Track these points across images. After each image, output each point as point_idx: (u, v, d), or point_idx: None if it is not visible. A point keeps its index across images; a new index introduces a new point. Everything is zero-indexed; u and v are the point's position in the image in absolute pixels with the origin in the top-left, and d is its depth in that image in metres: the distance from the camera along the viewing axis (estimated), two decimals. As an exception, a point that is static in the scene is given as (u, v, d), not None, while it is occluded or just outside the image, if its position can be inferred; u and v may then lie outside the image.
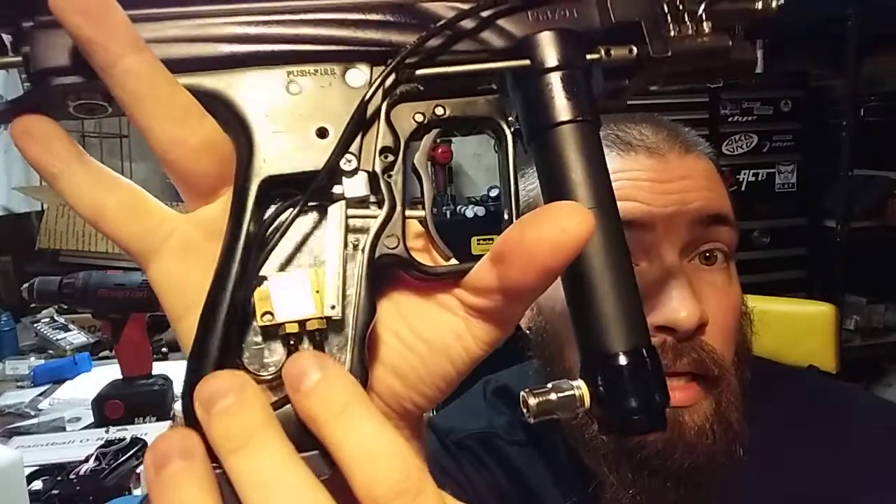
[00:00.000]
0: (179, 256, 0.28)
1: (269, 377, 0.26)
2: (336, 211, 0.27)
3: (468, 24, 0.29)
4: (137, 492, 1.04)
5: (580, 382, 0.27)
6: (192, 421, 0.24)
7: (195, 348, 0.26)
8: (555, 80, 0.28)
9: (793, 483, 0.60)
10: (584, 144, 0.28)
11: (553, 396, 0.27)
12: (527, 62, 0.29)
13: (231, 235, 0.26)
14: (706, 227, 0.57)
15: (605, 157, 0.29)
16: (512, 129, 0.30)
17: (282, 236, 0.27)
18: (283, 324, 0.26)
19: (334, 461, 0.22)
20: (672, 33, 0.30)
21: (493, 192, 2.78)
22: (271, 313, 0.26)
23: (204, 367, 0.25)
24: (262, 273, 0.26)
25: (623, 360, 0.27)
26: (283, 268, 0.27)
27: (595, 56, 0.30)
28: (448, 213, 2.64)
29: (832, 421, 0.64)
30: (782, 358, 0.72)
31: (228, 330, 0.26)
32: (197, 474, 0.21)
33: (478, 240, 2.59)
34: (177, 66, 0.26)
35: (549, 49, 0.29)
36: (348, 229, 0.27)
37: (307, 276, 0.26)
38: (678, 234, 0.56)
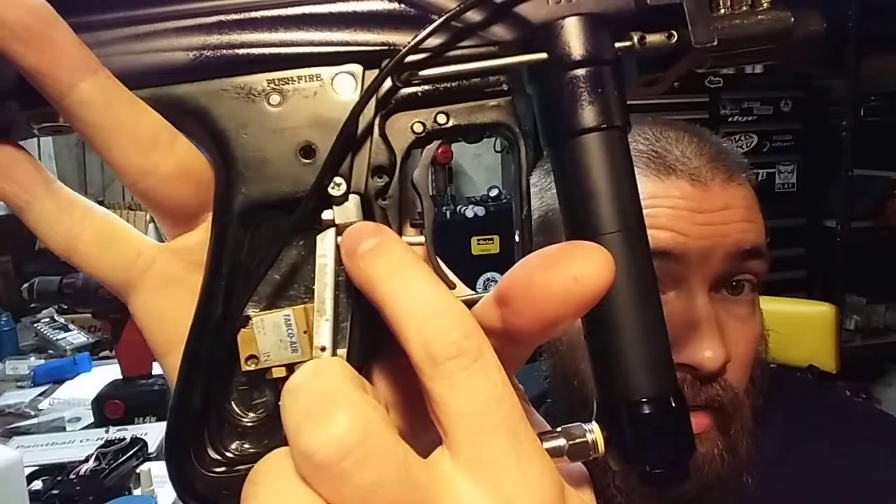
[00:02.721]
0: (160, 290, 0.25)
1: (258, 421, 0.24)
2: (326, 239, 0.24)
3: (477, 14, 0.25)
4: (137, 492, 1.04)
5: (594, 426, 0.24)
6: (177, 463, 0.23)
7: (177, 397, 0.24)
8: (578, 78, 0.24)
9: (793, 493, 0.60)
10: (609, 157, 0.24)
11: (563, 442, 0.23)
12: (544, 56, 0.24)
13: (211, 270, 0.24)
14: (740, 262, 0.56)
15: (634, 170, 0.25)
16: (524, 132, 0.26)
17: (267, 269, 0.24)
18: (270, 368, 0.24)
19: (388, 322, 0.20)
20: (722, 10, 0.26)
21: (493, 192, 2.78)
22: (256, 357, 0.24)
23: (187, 418, 0.24)
24: (246, 311, 0.24)
25: (647, 410, 0.23)
26: (270, 302, 0.25)
27: (627, 44, 0.25)
28: (448, 213, 2.64)
29: (833, 431, 0.64)
30: (782, 358, 0.73)
31: (212, 377, 0.24)
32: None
33: (477, 240, 2.60)
34: (140, 80, 0.23)
35: (571, 40, 0.24)
36: (340, 259, 0.24)
37: (293, 316, 0.24)
38: (711, 267, 0.55)
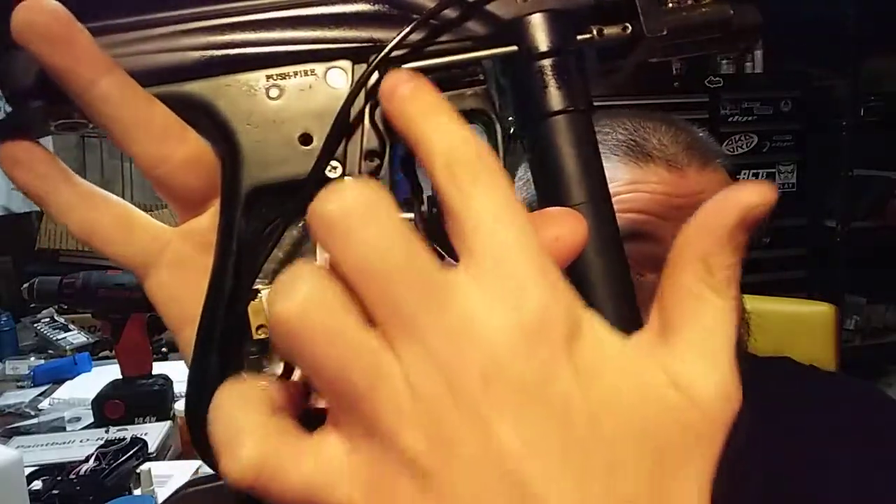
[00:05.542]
0: (174, 270, 0.28)
1: None
2: None
3: (452, 12, 0.27)
4: (137, 492, 1.04)
5: None
6: (197, 428, 0.24)
7: (195, 366, 0.26)
8: (545, 67, 0.27)
9: (770, 463, 0.61)
10: (576, 136, 0.27)
11: None
12: (514, 48, 0.28)
13: (221, 249, 0.26)
14: None
15: (598, 148, 0.28)
16: (500, 121, 0.29)
17: (273, 246, 0.26)
18: None
19: (418, 152, 0.23)
20: (670, 5, 0.29)
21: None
22: (266, 326, 0.25)
23: (205, 384, 0.25)
24: (255, 286, 0.26)
25: None
26: (276, 277, 0.26)
27: (587, 36, 0.28)
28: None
29: (808, 405, 0.66)
30: (782, 358, 0.73)
31: (226, 346, 0.26)
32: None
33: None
34: (151, 78, 0.26)
35: (537, 33, 0.27)
36: None
37: None
38: None
